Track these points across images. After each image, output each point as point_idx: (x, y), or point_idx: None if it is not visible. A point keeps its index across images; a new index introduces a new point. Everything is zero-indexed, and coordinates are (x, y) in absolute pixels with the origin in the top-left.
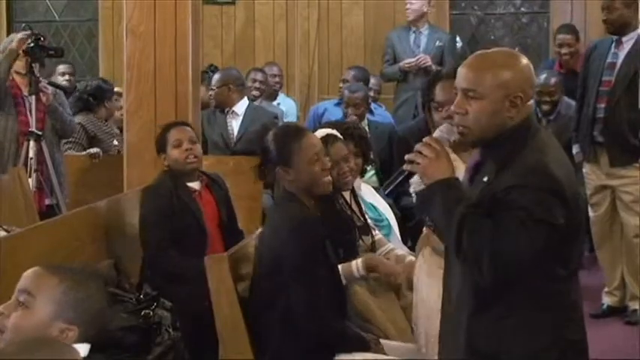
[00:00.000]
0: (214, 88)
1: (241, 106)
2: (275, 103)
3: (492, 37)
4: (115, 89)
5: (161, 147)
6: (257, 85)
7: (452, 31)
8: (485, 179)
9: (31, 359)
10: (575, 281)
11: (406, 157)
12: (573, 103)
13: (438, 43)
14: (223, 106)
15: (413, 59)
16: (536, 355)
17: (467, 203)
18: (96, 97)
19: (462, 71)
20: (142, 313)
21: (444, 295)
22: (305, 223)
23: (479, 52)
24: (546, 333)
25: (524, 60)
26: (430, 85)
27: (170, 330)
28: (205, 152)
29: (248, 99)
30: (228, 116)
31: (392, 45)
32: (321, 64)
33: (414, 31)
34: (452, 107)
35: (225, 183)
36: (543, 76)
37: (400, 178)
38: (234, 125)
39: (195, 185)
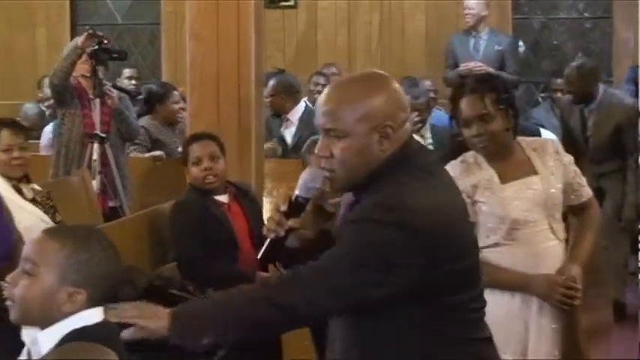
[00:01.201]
0: (267, 96)
1: (296, 112)
2: None
3: (555, 42)
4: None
5: (184, 160)
6: (319, 88)
7: (514, 35)
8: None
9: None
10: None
11: (264, 231)
12: (614, 90)
13: (497, 47)
14: (278, 113)
15: (468, 64)
16: None
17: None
18: (148, 102)
19: (319, 109)
20: None
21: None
22: None
23: (335, 82)
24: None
25: (387, 82)
26: (454, 99)
27: None
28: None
29: (310, 102)
30: (283, 123)
31: (452, 49)
32: (383, 68)
33: (474, 36)
34: (317, 150)
35: (254, 194)
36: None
37: (267, 247)
38: (288, 133)
39: (222, 198)
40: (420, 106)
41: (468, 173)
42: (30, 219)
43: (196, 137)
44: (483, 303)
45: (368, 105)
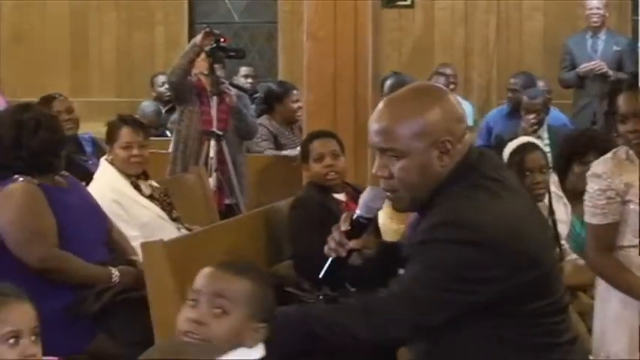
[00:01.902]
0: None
1: None
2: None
3: None
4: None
5: (303, 157)
6: None
7: (634, 35)
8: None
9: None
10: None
11: (325, 250)
12: None
13: (615, 47)
14: None
15: (589, 64)
16: None
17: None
18: (267, 101)
19: (372, 127)
20: None
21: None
22: None
23: (387, 99)
24: None
25: (441, 95)
26: (612, 95)
27: None
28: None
29: None
30: None
31: (569, 51)
32: (500, 69)
33: (592, 37)
34: (374, 170)
35: None
36: None
37: (329, 266)
38: None
39: (340, 196)
40: (537, 106)
41: (621, 171)
42: (147, 215)
43: (318, 135)
44: (563, 304)
45: (424, 121)
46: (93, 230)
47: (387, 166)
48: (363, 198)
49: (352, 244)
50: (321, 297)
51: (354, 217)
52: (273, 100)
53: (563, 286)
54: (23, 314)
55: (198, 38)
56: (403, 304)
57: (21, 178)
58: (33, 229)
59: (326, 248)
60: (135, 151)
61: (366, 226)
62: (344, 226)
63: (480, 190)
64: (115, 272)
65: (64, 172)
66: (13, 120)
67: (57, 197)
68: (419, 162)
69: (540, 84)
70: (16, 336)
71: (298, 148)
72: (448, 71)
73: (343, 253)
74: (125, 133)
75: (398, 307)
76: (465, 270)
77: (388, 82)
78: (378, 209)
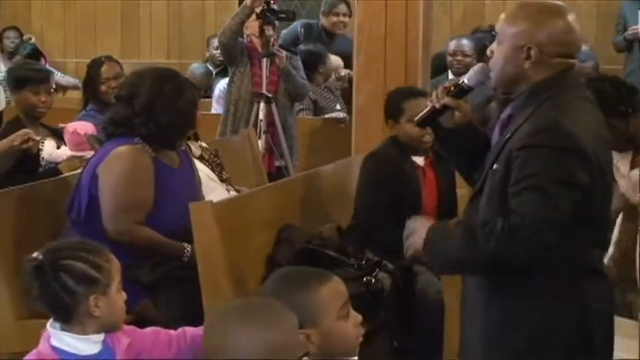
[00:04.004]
0: (468, 55)
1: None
2: None
3: None
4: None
5: (394, 114)
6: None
7: None
8: (508, 135)
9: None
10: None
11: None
12: None
13: None
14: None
15: (635, 28)
16: (556, 328)
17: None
18: (307, 64)
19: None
20: (364, 280)
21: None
22: None
23: (520, 2)
24: (566, 302)
25: (562, 17)
26: None
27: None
28: None
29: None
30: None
31: (623, 15)
32: None
33: (629, 1)
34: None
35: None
36: None
37: (426, 113)
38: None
39: (419, 160)
40: (588, 69)
41: None
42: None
43: (413, 93)
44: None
45: (525, 26)
46: (185, 211)
47: (493, 47)
48: (473, 69)
49: (447, 99)
50: (363, 262)
51: (460, 81)
52: (314, 63)
53: None
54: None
55: (248, 2)
56: (544, 207)
57: (136, 142)
58: (126, 201)
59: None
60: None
61: (466, 92)
62: (448, 84)
63: (572, 105)
64: (188, 249)
65: (181, 148)
66: (154, 86)
67: (164, 174)
68: (506, 54)
69: (584, 48)
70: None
71: (338, 106)
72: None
73: (437, 105)
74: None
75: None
76: (564, 174)
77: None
78: (481, 81)
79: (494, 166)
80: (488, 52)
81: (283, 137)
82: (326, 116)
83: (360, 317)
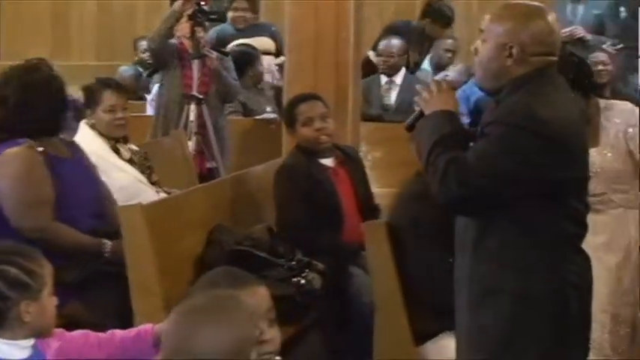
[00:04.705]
0: (393, 55)
1: (400, 75)
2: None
3: None
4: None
5: (290, 122)
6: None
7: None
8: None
9: None
10: (579, 227)
11: (417, 86)
12: None
13: (595, 11)
14: (391, 75)
15: (567, 29)
16: (531, 294)
17: (451, 132)
18: (236, 66)
19: (486, 14)
20: (294, 280)
21: (455, 244)
22: None
23: (506, 3)
24: (541, 271)
25: (544, 18)
26: None
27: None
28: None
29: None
30: (385, 86)
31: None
32: None
33: (571, 1)
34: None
35: (359, 157)
36: None
37: (417, 115)
38: (392, 95)
39: (328, 162)
40: None
41: None
42: (126, 179)
43: (304, 98)
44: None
45: (509, 25)
46: (88, 200)
47: (478, 45)
48: (455, 69)
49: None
50: (294, 263)
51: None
52: (244, 64)
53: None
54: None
55: (178, 4)
56: (476, 170)
57: (23, 142)
58: (28, 199)
59: (416, 98)
60: (119, 114)
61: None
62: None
63: (547, 92)
64: (107, 246)
65: (67, 139)
66: (21, 81)
67: (57, 167)
68: (490, 52)
69: (449, 42)
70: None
71: (268, 108)
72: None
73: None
74: (108, 97)
75: (470, 171)
76: (524, 153)
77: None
78: (462, 81)
79: None
80: (472, 48)
81: (214, 138)
82: (257, 117)
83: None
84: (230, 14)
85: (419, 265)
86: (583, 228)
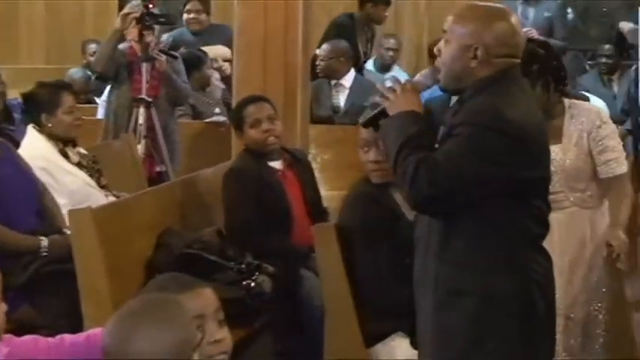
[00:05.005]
0: (323, 59)
1: (349, 78)
2: (389, 75)
3: (605, 9)
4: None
5: (238, 125)
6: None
7: (564, 2)
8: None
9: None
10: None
11: (378, 85)
12: None
13: (546, 13)
14: (331, 78)
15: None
16: (497, 294)
17: (417, 132)
18: (185, 67)
19: (449, 16)
20: (244, 283)
21: (416, 246)
22: None
23: (469, 3)
24: (507, 271)
25: (504, 20)
26: None
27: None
28: (312, 122)
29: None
30: (334, 88)
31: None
32: (432, 35)
33: (522, 3)
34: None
35: (308, 160)
36: None
37: (375, 114)
38: (341, 98)
39: (276, 164)
40: None
41: None
42: (75, 182)
43: (251, 100)
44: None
45: (472, 27)
46: (24, 199)
47: (441, 47)
48: (421, 73)
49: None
50: (243, 266)
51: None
52: (190, 67)
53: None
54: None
55: (118, 22)
56: (445, 170)
57: None
58: None
59: (377, 97)
60: (77, 115)
61: None
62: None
63: (512, 93)
64: (44, 242)
65: None
66: None
67: None
68: (454, 53)
69: (391, 41)
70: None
71: (217, 109)
72: (391, 44)
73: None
74: (68, 98)
75: (440, 171)
76: (491, 153)
77: (325, 47)
78: (427, 85)
79: None
80: (435, 50)
81: (163, 142)
82: (206, 120)
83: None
84: (184, 16)
85: (367, 266)
86: (545, 227)
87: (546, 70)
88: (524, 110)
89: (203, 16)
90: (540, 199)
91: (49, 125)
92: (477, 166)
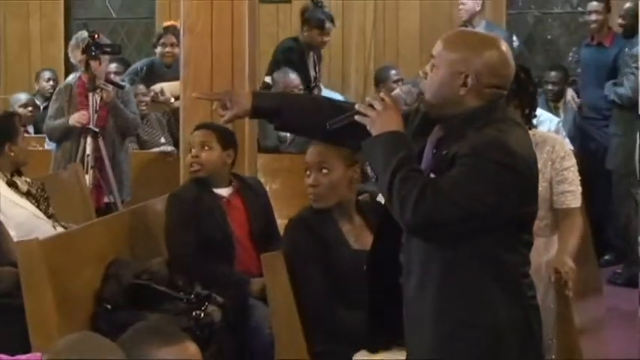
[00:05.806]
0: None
1: None
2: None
3: (549, 37)
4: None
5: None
6: None
7: (509, 30)
8: (444, 152)
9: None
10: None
11: (357, 106)
12: None
13: None
14: None
15: None
16: (500, 325)
17: (408, 154)
18: None
19: (438, 40)
20: (193, 314)
21: (404, 275)
22: None
23: (460, 30)
24: (507, 302)
25: (496, 49)
26: None
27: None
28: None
29: None
30: None
31: None
32: (377, 65)
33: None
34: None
35: (264, 187)
36: None
37: (343, 117)
38: None
39: (223, 192)
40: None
41: None
42: (23, 214)
43: (198, 127)
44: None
45: (463, 54)
46: None
47: (428, 70)
48: (401, 89)
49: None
50: (192, 295)
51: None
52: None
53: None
54: None
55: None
56: (452, 198)
57: None
58: None
59: (357, 105)
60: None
61: None
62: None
63: (511, 127)
64: None
65: None
66: None
67: None
68: (442, 78)
69: (393, 72)
70: None
71: (162, 143)
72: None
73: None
74: (20, 127)
75: (446, 198)
76: (499, 188)
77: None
78: (408, 102)
79: (431, 175)
80: (420, 73)
81: (111, 173)
82: (154, 150)
83: None
84: (158, 49)
85: (305, 292)
86: (528, 257)
87: (523, 93)
88: (527, 145)
89: (177, 50)
90: (529, 231)
91: (12, 154)
92: (483, 197)
